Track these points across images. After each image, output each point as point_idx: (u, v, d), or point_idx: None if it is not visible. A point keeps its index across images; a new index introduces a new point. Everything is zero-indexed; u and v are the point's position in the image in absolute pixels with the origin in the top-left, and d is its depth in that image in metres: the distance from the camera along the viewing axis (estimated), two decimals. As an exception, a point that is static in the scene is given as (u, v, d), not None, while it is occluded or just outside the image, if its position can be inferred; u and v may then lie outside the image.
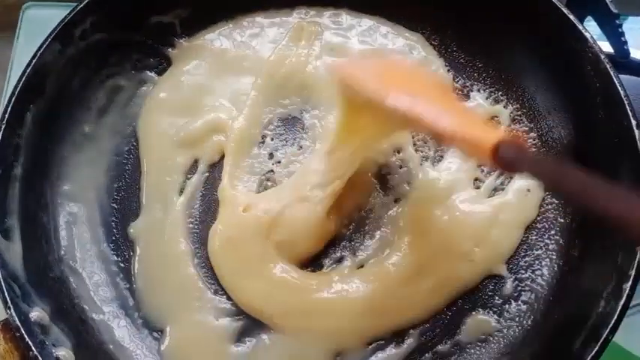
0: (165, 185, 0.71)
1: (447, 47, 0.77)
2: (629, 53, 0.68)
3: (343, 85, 0.64)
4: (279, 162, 0.72)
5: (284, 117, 0.74)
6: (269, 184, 0.71)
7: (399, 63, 0.71)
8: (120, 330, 0.66)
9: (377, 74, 0.62)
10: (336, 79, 0.65)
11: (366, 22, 0.78)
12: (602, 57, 0.65)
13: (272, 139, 0.73)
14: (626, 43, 0.68)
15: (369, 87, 0.59)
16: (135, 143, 0.73)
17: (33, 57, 0.66)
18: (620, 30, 0.68)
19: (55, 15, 0.69)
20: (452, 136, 0.53)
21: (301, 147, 0.73)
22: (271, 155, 0.72)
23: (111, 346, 0.64)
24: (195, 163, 0.72)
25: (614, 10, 0.68)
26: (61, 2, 0.91)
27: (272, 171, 0.72)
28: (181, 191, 0.71)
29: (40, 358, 0.55)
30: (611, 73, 0.64)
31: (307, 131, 0.73)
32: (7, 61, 0.87)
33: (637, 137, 0.61)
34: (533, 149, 0.60)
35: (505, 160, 0.49)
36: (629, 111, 0.63)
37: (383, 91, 0.57)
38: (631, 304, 0.68)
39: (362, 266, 0.68)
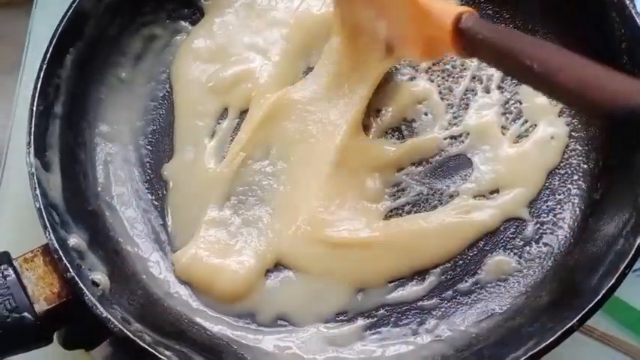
0: (196, 129, 0.73)
1: (475, -1, 0.78)
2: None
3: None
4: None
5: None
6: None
7: None
8: (153, 262, 0.69)
9: None
10: None
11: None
12: (627, 2, 0.65)
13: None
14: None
15: None
16: (169, 89, 0.76)
17: (72, 2, 0.69)
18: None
19: None
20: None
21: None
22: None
23: (144, 276, 0.67)
24: (226, 109, 0.75)
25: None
26: None
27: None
28: (212, 135, 0.73)
29: (76, 278, 0.58)
30: (637, 18, 0.65)
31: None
32: (25, 32, 0.87)
33: (661, 81, 0.62)
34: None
35: (465, 33, 0.48)
36: (654, 53, 0.63)
37: None
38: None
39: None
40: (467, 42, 0.50)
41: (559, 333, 0.57)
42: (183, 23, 0.78)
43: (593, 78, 0.41)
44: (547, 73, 0.43)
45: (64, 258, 0.58)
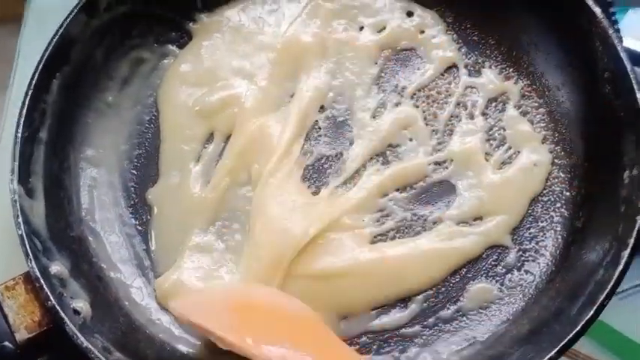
0: (182, 153, 0.74)
1: (461, 24, 0.78)
2: (621, 40, 0.70)
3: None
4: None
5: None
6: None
7: (254, 297, 0.65)
8: (135, 288, 0.69)
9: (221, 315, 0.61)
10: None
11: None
12: (610, 32, 0.66)
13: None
14: (619, 30, 0.70)
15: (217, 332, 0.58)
16: (155, 113, 0.76)
17: (60, 27, 0.69)
18: (613, 17, 0.70)
19: (61, 4, 0.71)
20: None
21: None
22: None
23: (126, 303, 0.67)
24: (212, 134, 0.75)
25: (609, -2, 0.71)
26: None
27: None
28: (198, 159, 0.74)
29: (57, 307, 0.58)
30: (619, 48, 0.66)
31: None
32: (14, 50, 0.87)
33: (642, 111, 0.62)
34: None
35: None
36: (634, 85, 0.64)
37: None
38: (625, 288, 0.71)
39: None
40: None
41: (539, 363, 0.57)
42: (170, 47, 0.79)
43: None
44: None
45: (45, 286, 0.59)
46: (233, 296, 0.65)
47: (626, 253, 0.59)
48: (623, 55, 0.65)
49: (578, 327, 0.57)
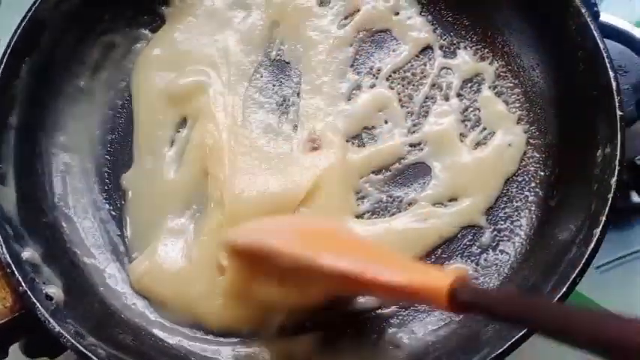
0: (156, 138, 0.73)
1: (436, 5, 0.78)
2: (598, 15, 0.70)
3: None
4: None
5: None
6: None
7: (309, 224, 0.65)
8: (110, 274, 0.68)
9: (291, 238, 0.58)
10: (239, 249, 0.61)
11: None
12: (583, 11, 0.66)
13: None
14: (596, 4, 0.70)
15: (289, 253, 0.56)
16: (128, 98, 0.76)
17: (28, 11, 0.68)
18: (592, -7, 0.70)
19: None
20: (403, 289, 0.50)
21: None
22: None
23: (101, 288, 0.67)
24: (185, 119, 0.74)
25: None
26: None
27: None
28: (172, 144, 0.73)
29: (29, 292, 0.57)
30: (592, 27, 0.65)
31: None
32: None
33: (614, 89, 0.62)
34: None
35: (463, 304, 0.46)
36: (607, 64, 0.64)
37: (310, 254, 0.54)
38: (604, 261, 0.72)
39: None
40: (460, 308, 0.48)
41: (513, 340, 0.57)
42: (143, 31, 0.78)
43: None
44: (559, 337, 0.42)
45: (16, 272, 0.58)
46: (294, 223, 0.65)
47: (597, 231, 0.59)
48: (596, 33, 0.65)
49: (552, 304, 0.57)
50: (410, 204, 0.70)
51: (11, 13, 0.80)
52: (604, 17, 0.73)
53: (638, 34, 0.83)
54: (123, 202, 0.72)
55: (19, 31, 0.67)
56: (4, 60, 0.66)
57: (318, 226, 0.64)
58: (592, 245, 0.58)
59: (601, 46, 0.65)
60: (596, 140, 0.64)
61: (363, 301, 0.67)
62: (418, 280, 0.49)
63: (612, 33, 0.83)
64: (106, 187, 0.72)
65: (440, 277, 0.48)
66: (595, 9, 0.72)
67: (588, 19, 0.66)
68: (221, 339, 0.66)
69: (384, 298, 0.65)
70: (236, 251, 0.61)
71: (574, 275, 0.58)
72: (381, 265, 0.53)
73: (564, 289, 0.57)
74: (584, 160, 0.65)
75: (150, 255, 0.68)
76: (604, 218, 0.59)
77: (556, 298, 0.57)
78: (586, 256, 0.58)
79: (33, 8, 0.69)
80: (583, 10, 0.66)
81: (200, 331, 0.66)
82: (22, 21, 0.68)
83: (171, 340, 0.66)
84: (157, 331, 0.66)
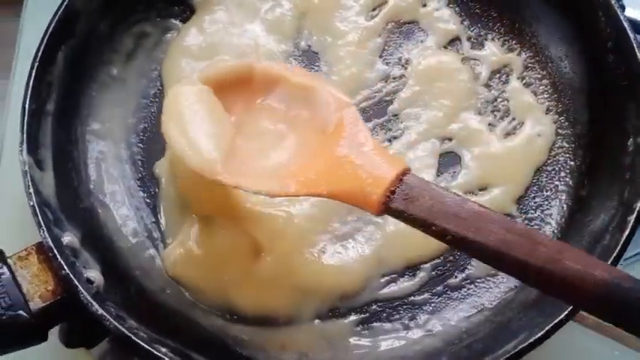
0: (188, 126, 0.74)
1: (463, -3, 0.79)
2: (624, 8, 0.71)
3: None
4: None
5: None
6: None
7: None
8: (146, 259, 0.69)
9: None
10: None
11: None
12: (613, 2, 0.67)
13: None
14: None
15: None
16: (160, 87, 0.76)
17: (63, 0, 0.69)
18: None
19: None
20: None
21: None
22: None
23: (137, 272, 0.68)
24: (217, 106, 0.75)
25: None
26: None
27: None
28: (204, 132, 0.73)
29: (71, 276, 0.58)
30: (622, 18, 0.67)
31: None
32: (15, 32, 0.87)
33: (645, 79, 0.63)
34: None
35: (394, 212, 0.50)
36: (638, 54, 0.65)
37: None
38: (630, 254, 0.72)
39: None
40: (392, 214, 0.52)
41: (547, 327, 0.58)
42: (173, 21, 0.79)
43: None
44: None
45: (58, 256, 0.58)
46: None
47: (632, 218, 0.60)
48: (626, 24, 0.66)
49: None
50: (442, 191, 0.70)
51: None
52: (627, 11, 0.74)
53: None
54: (157, 190, 0.72)
55: (55, 19, 0.68)
56: (42, 47, 0.66)
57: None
58: (627, 233, 0.59)
59: (631, 36, 0.65)
60: (627, 129, 0.65)
61: (396, 288, 0.68)
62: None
63: (636, 27, 0.84)
64: (139, 175, 0.73)
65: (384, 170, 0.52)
66: (621, 2, 0.73)
67: (618, 11, 0.67)
68: (257, 325, 0.66)
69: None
70: (209, 80, 0.64)
71: (609, 261, 0.58)
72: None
73: (600, 275, 0.58)
74: (615, 150, 0.66)
75: (182, 242, 0.69)
76: (638, 205, 0.60)
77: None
78: (621, 243, 0.59)
79: (68, -1, 0.69)
80: (612, 2, 0.67)
81: (236, 316, 0.66)
82: (57, 10, 0.68)
83: (208, 324, 0.66)
84: (193, 315, 0.66)
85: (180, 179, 0.70)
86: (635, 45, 0.65)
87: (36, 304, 0.58)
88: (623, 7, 0.73)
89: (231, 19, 0.78)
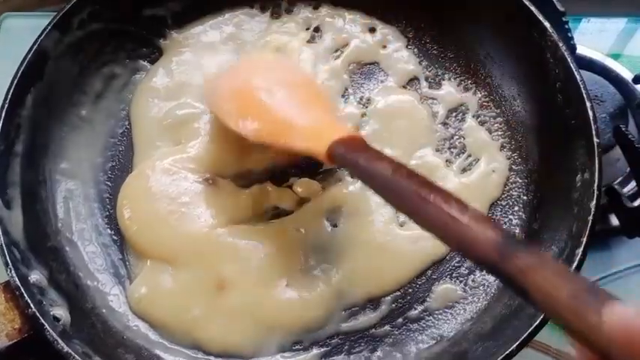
0: (154, 165, 0.76)
1: (421, 39, 0.82)
2: (575, 48, 0.74)
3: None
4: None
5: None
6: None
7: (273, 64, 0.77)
8: (112, 296, 0.70)
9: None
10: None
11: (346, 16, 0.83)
12: (560, 44, 0.70)
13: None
14: (572, 38, 0.75)
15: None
16: (128, 126, 0.78)
17: (34, 43, 0.71)
18: (566, 27, 0.74)
19: (33, 24, 0.74)
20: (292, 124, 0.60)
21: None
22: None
23: (103, 310, 0.69)
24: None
25: (561, 9, 0.75)
26: (38, 12, 0.94)
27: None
28: (170, 171, 0.76)
29: (37, 314, 0.59)
30: (569, 59, 0.69)
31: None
32: None
33: (591, 118, 0.66)
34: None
35: (336, 156, 0.54)
36: (584, 94, 0.68)
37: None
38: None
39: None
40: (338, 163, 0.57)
41: (501, 357, 0.60)
42: (142, 62, 0.81)
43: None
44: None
45: (25, 294, 0.60)
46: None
47: (579, 251, 0.62)
48: (573, 66, 0.69)
49: (537, 322, 0.60)
50: (401, 226, 0.73)
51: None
52: (579, 49, 0.78)
53: (612, 65, 0.89)
54: (124, 227, 0.73)
55: (24, 62, 0.70)
56: (12, 90, 0.68)
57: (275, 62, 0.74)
58: (574, 265, 0.62)
59: (578, 78, 0.68)
60: (575, 166, 0.68)
61: (358, 321, 0.70)
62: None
63: (587, 64, 0.88)
64: (107, 213, 0.74)
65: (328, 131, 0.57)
66: (572, 42, 0.77)
67: (565, 53, 0.70)
68: None
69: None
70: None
71: (559, 293, 0.61)
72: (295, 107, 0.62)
73: (549, 307, 0.61)
74: (565, 185, 0.68)
75: (147, 278, 0.70)
76: (585, 239, 0.63)
77: (540, 317, 0.60)
78: (569, 274, 0.62)
79: (38, 41, 0.71)
80: (560, 44, 0.70)
81: (201, 352, 0.68)
82: (27, 53, 0.70)
83: (173, 360, 0.67)
84: (158, 352, 0.68)
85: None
86: (581, 86, 0.68)
87: (2, 342, 0.59)
88: (574, 48, 0.76)
89: (197, 62, 0.81)
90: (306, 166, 0.75)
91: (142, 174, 0.74)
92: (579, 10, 0.91)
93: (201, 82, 0.79)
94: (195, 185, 0.73)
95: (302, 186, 0.74)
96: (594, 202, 0.64)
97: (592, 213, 0.63)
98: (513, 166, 0.75)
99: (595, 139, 0.65)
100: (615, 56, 0.90)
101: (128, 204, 0.73)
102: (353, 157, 0.55)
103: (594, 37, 0.93)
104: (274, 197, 0.74)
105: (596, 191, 0.64)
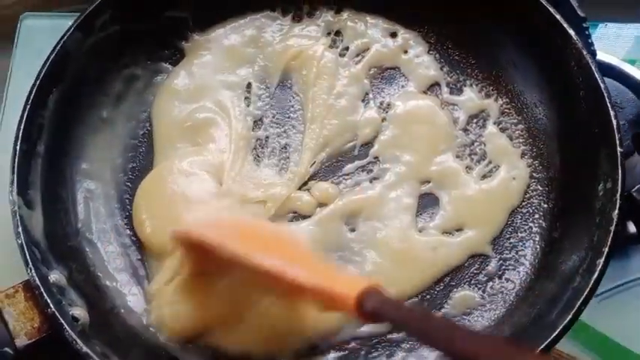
0: (175, 167, 0.76)
1: (443, 44, 0.81)
2: (595, 54, 0.74)
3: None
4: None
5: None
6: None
7: (254, 225, 0.70)
8: (131, 297, 0.71)
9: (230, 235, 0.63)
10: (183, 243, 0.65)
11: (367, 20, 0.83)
12: (585, 53, 0.70)
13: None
14: (592, 44, 0.74)
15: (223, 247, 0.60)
16: (149, 128, 0.78)
17: (56, 45, 0.71)
18: (587, 32, 0.74)
19: (52, 25, 0.75)
20: (313, 288, 0.54)
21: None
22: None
23: (122, 310, 0.69)
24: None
25: (582, 15, 0.74)
26: (57, 12, 0.94)
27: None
28: (190, 173, 0.76)
29: (57, 314, 0.60)
30: (593, 68, 0.69)
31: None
32: (6, 71, 0.89)
33: (615, 127, 0.66)
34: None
35: (368, 311, 0.50)
36: (608, 103, 0.67)
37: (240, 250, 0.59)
38: (604, 289, 0.74)
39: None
40: (372, 317, 0.52)
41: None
42: (163, 64, 0.81)
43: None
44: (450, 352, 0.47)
45: (44, 294, 0.60)
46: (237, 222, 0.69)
47: (601, 261, 0.62)
48: (597, 75, 0.68)
49: (556, 331, 0.60)
50: (420, 231, 0.73)
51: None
52: (601, 56, 0.77)
53: (630, 70, 0.88)
54: (144, 228, 0.74)
55: (47, 63, 0.70)
56: (34, 90, 0.69)
57: (260, 228, 0.69)
58: (595, 275, 0.61)
59: (602, 86, 0.68)
60: (598, 175, 0.67)
61: (375, 326, 0.69)
62: (331, 287, 0.53)
63: (606, 70, 0.87)
64: (127, 214, 0.74)
65: (351, 286, 0.51)
66: (592, 48, 0.76)
67: (589, 60, 0.70)
68: (239, 362, 0.68)
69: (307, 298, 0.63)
70: (181, 241, 0.65)
71: (578, 304, 0.61)
72: (303, 270, 0.56)
73: (569, 318, 0.60)
74: (586, 194, 0.68)
75: (163, 279, 0.70)
76: (607, 249, 0.62)
77: (561, 327, 0.60)
78: (590, 285, 0.61)
79: (60, 42, 0.72)
80: (584, 52, 0.70)
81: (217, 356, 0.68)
82: (50, 54, 0.71)
83: (190, 361, 0.68)
84: (177, 353, 0.68)
85: None
86: (606, 95, 0.67)
87: (22, 341, 0.60)
88: (594, 54, 0.76)
89: (218, 64, 0.81)
90: (324, 171, 0.75)
91: (158, 175, 0.74)
92: (596, 15, 0.90)
93: (222, 84, 0.80)
94: (212, 186, 0.73)
95: (320, 190, 0.74)
96: (616, 211, 0.63)
97: (614, 223, 0.63)
98: (534, 174, 0.75)
99: (619, 148, 0.65)
100: (631, 62, 0.89)
101: (144, 205, 0.73)
102: (383, 312, 0.51)
103: (611, 43, 0.92)
104: (293, 201, 0.74)
105: (618, 200, 0.64)
